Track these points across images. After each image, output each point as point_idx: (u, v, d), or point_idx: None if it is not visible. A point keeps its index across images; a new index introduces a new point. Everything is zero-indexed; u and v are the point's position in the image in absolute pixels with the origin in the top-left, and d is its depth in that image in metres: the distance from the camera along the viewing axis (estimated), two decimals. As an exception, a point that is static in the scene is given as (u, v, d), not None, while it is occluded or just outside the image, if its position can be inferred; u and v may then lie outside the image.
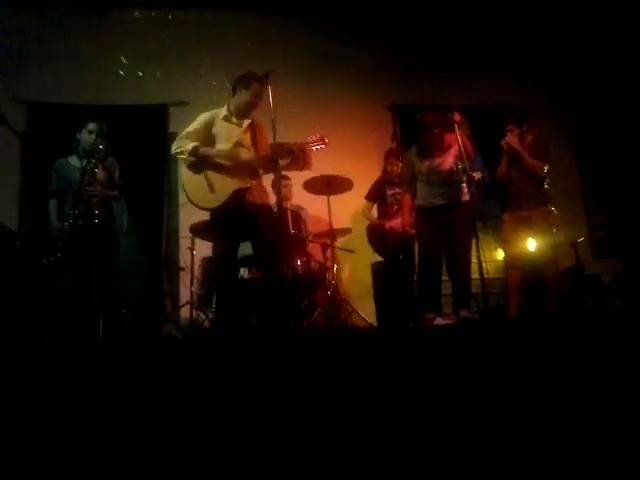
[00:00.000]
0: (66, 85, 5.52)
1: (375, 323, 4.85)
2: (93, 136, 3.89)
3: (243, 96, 3.61)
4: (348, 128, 5.76)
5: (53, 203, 3.98)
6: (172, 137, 5.69)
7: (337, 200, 4.84)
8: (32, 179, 5.14)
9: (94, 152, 3.86)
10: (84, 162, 3.89)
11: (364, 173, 5.11)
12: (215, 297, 4.25)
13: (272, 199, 3.88)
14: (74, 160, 3.98)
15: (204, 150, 3.57)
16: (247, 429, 1.68)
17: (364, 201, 5.20)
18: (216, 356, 2.16)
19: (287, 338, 2.81)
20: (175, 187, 5.73)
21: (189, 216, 5.07)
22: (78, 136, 3.95)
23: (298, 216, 4.95)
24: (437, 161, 4.21)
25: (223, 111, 3.65)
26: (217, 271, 3.73)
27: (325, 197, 4.76)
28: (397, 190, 4.91)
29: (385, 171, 5.11)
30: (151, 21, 5.87)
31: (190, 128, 3.63)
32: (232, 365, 2.03)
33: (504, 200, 4.68)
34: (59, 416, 1.72)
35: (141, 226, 5.48)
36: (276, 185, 3.80)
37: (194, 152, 3.55)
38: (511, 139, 4.38)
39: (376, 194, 5.11)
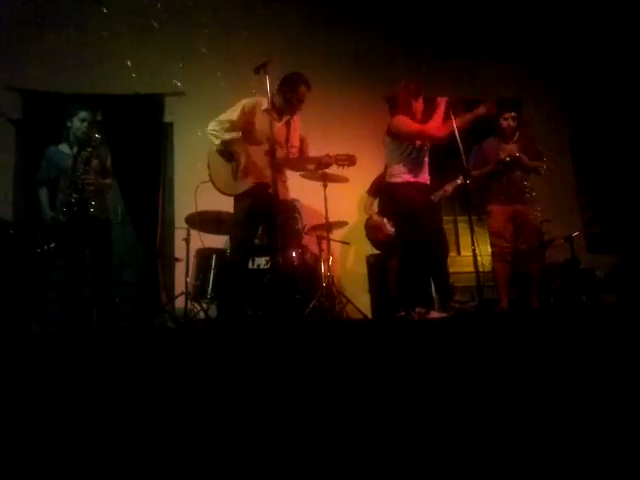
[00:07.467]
0: (63, 74, 5.46)
1: (370, 315, 4.85)
2: (85, 124, 3.85)
3: (287, 96, 3.64)
4: (344, 119, 5.75)
5: (44, 191, 3.92)
6: (168, 127, 5.76)
7: (333, 192, 4.81)
8: (27, 168, 5.10)
9: (89, 140, 3.83)
10: (75, 150, 3.86)
11: (359, 165, 5.07)
12: (218, 284, 4.47)
13: (290, 195, 3.89)
14: (64, 147, 3.94)
15: (236, 148, 3.53)
16: (241, 420, 1.68)
17: (365, 195, 5.14)
18: (211, 347, 2.15)
19: (284, 329, 2.81)
20: (170, 178, 5.72)
21: (184, 207, 5.06)
22: (69, 124, 3.90)
23: (293, 207, 4.92)
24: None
25: (265, 103, 3.54)
26: (232, 257, 3.75)
27: (321, 190, 4.73)
28: None
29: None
30: (149, 10, 5.81)
31: (231, 115, 3.59)
32: (227, 355, 2.02)
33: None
34: (50, 406, 1.71)
35: (136, 216, 5.45)
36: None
37: (227, 145, 3.54)
38: (511, 149, 4.41)
39: (378, 189, 5.06)
